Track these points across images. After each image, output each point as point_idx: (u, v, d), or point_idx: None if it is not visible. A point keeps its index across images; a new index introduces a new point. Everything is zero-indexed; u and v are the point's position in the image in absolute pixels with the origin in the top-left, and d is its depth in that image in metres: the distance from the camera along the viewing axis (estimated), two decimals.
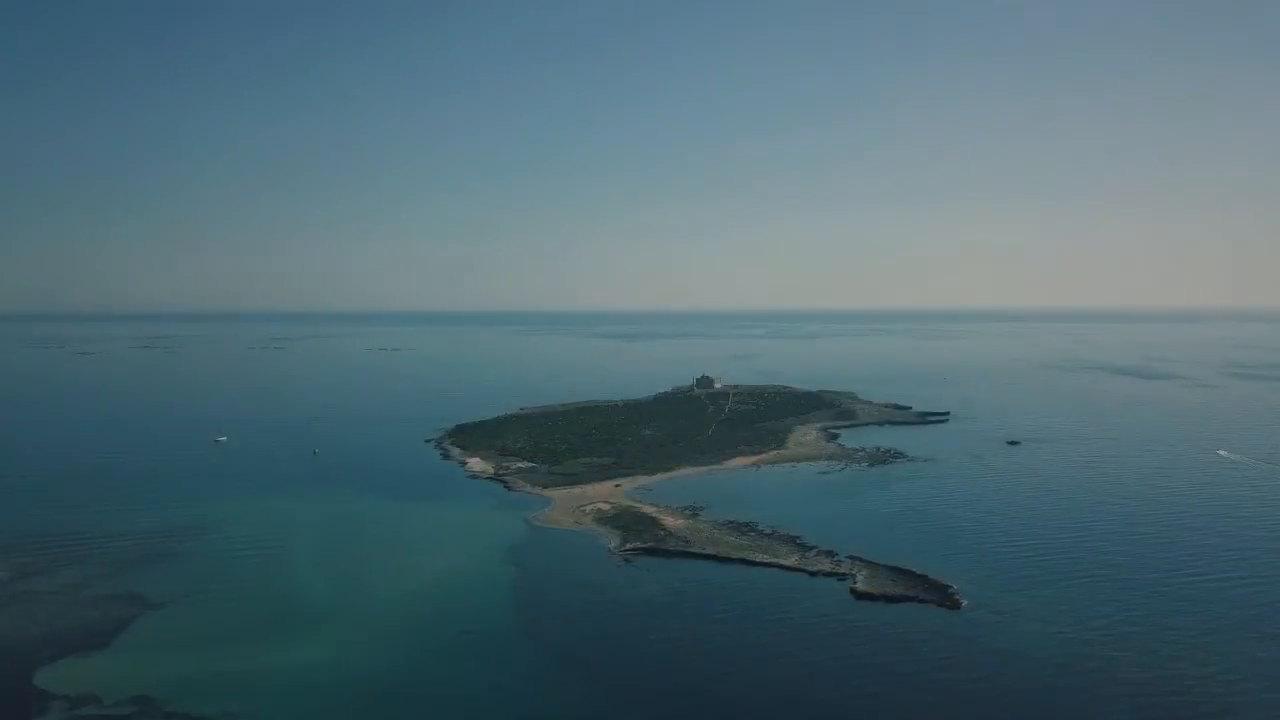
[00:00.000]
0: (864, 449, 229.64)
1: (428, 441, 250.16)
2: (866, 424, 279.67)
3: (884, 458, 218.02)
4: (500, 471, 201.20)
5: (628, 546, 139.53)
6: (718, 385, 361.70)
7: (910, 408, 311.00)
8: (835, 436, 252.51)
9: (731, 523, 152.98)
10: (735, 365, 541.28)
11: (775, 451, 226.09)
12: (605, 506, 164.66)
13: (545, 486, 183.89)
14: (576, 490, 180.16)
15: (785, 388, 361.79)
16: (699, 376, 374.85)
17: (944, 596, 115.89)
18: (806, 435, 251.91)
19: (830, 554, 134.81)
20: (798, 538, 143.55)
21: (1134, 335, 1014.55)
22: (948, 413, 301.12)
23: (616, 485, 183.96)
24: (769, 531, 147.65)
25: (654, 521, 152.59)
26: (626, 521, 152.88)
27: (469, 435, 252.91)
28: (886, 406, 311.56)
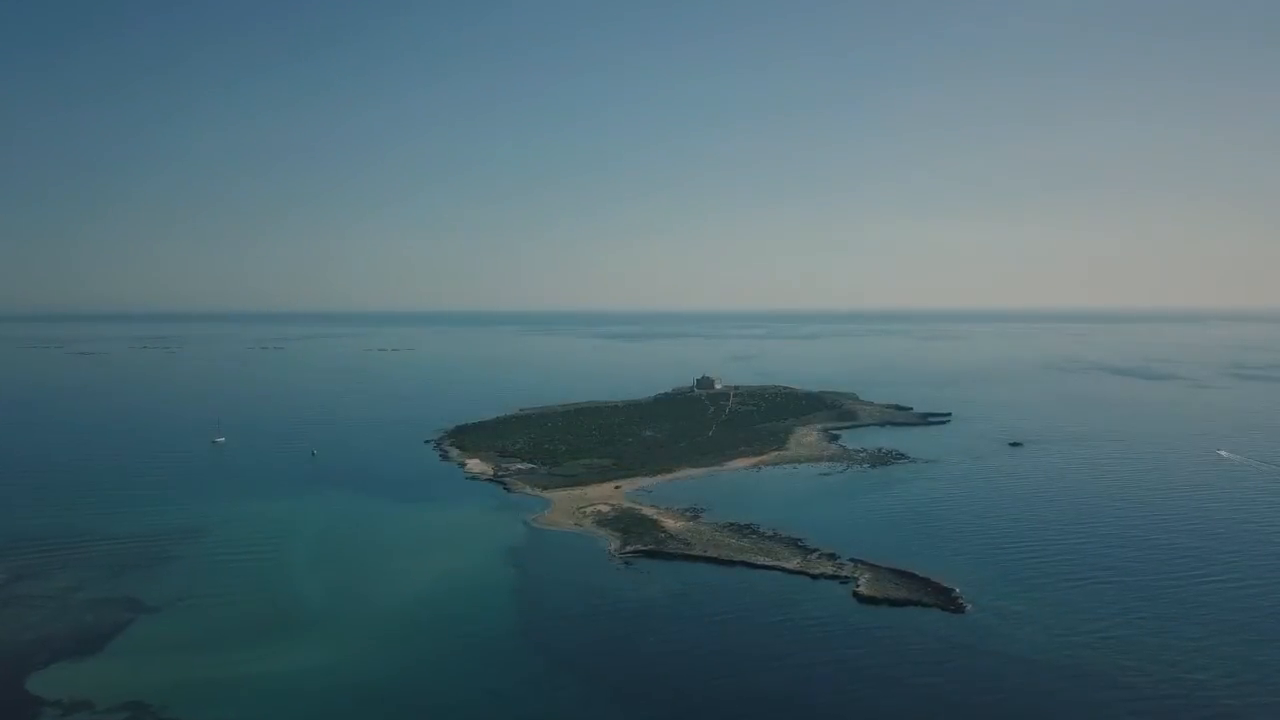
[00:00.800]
0: (865, 450, 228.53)
1: (427, 442, 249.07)
2: (868, 425, 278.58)
3: (885, 459, 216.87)
4: (499, 473, 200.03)
5: (628, 549, 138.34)
6: (718, 386, 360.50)
7: (911, 408, 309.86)
8: (836, 437, 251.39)
9: (733, 525, 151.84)
10: (735, 366, 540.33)
11: (776, 453, 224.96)
12: (605, 508, 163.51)
13: (545, 488, 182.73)
14: (576, 492, 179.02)
15: (786, 388, 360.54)
16: (699, 377, 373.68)
17: (947, 600, 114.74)
18: (807, 436, 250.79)
19: (832, 557, 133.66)
20: (799, 540, 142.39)
21: (1135, 336, 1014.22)
22: (949, 413, 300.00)
23: (616, 487, 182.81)
24: (770, 534, 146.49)
25: (654, 523, 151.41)
26: (626, 523, 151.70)
27: (468, 436, 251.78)
28: (887, 407, 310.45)
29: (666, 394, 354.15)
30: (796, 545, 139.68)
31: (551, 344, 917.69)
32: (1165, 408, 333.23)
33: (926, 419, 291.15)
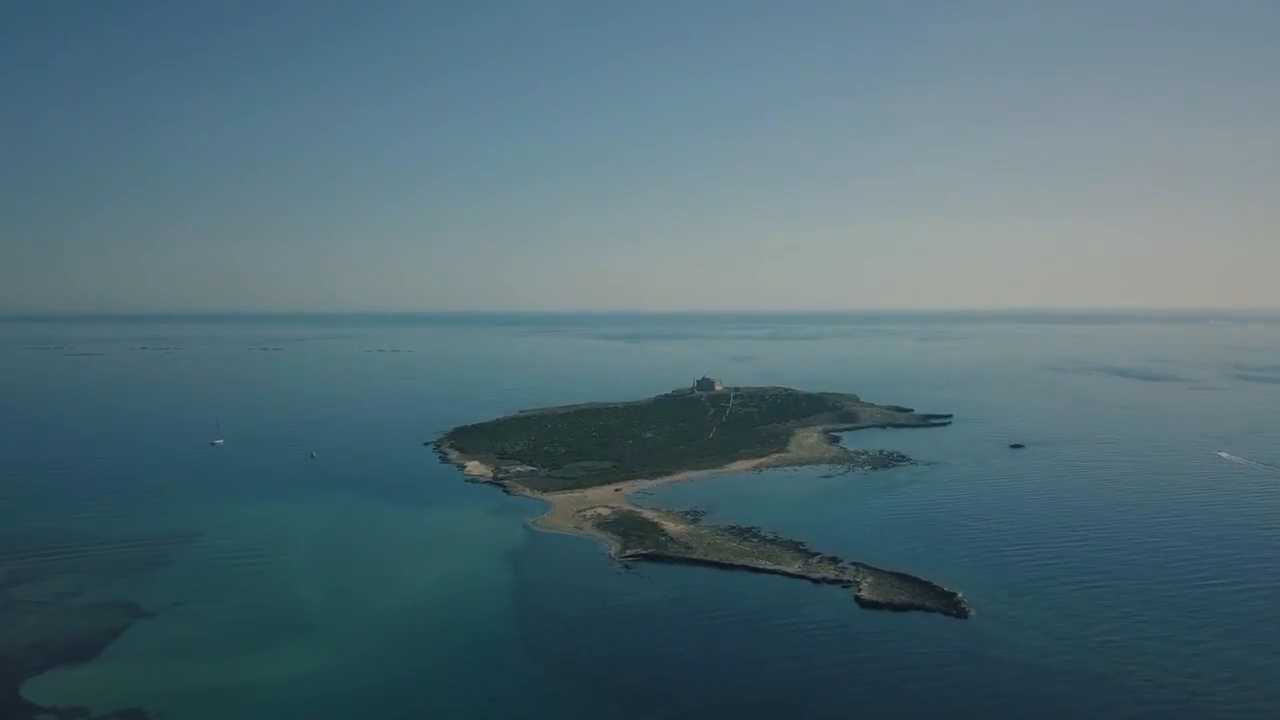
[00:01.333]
0: (866, 452, 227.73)
1: (426, 444, 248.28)
2: (869, 427, 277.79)
3: (887, 461, 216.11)
4: (499, 475, 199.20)
5: (628, 552, 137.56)
6: (718, 388, 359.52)
7: (912, 410, 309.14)
8: (837, 439, 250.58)
9: (734, 528, 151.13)
10: (736, 367, 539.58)
11: (777, 455, 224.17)
12: (605, 511, 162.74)
13: (544, 491, 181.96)
14: (576, 494, 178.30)
15: (786, 390, 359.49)
16: (699, 379, 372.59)
17: (950, 604, 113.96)
18: (808, 438, 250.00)
19: (834, 560, 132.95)
20: (801, 544, 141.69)
21: (1134, 337, 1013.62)
22: (950, 415, 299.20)
23: (617, 489, 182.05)
24: (772, 537, 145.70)
25: (655, 527, 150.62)
26: (627, 526, 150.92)
27: (468, 438, 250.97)
28: (888, 409, 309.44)
29: (667, 395, 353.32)
30: (798, 549, 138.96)
31: (551, 345, 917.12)
32: (1166, 409, 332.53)
33: (928, 421, 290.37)
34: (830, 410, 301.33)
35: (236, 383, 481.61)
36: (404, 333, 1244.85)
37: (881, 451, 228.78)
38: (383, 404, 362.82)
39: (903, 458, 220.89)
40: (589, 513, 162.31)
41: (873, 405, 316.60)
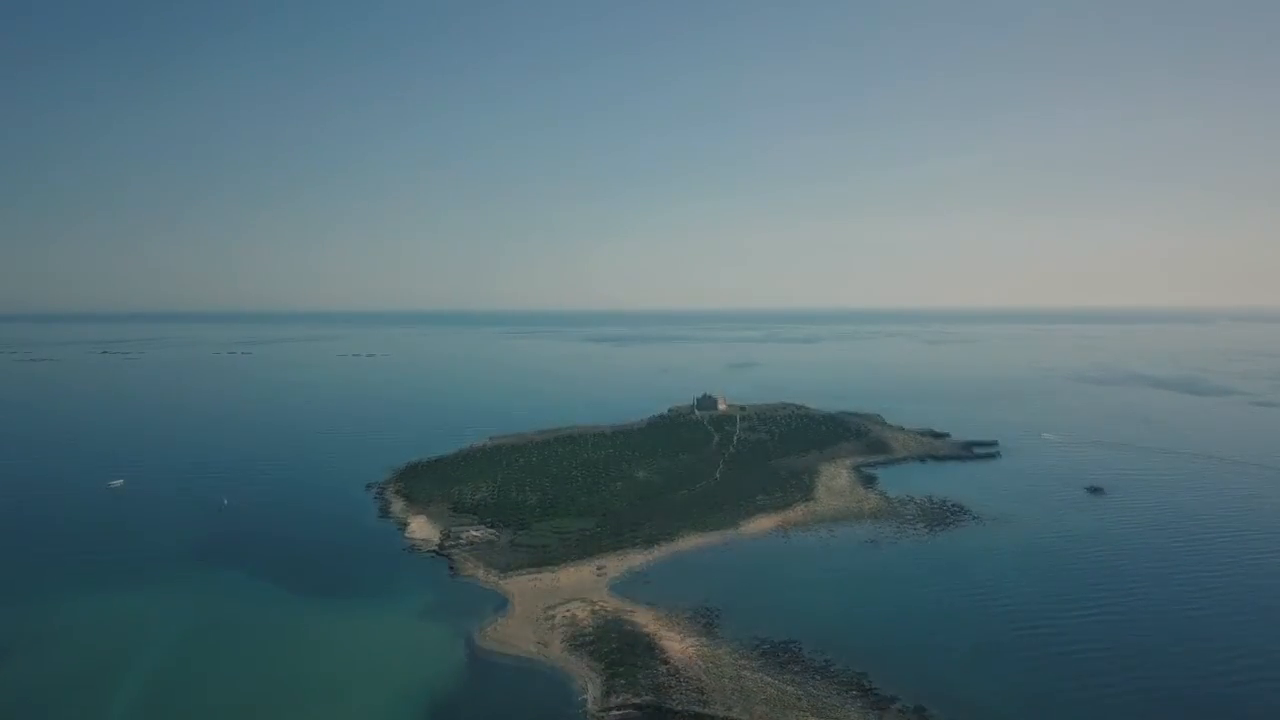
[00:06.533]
0: (913, 500, 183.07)
1: (369, 487, 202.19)
2: (904, 459, 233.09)
3: (941, 515, 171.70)
4: (448, 541, 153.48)
5: (613, 702, 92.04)
6: (722, 406, 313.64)
7: (949, 435, 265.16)
8: (872, 480, 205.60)
9: (763, 644, 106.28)
10: (734, 376, 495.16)
11: (804, 506, 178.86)
12: (582, 612, 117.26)
13: (504, 571, 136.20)
14: (545, 578, 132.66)
15: (799, 408, 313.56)
16: (700, 396, 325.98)
17: None
18: (837, 478, 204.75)
19: (920, 715, 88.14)
20: (864, 678, 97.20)
21: (1149, 339, 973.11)
22: (995, 442, 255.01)
23: (599, 569, 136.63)
24: (821, 664, 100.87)
25: (651, 645, 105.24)
26: (612, 646, 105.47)
27: (420, 480, 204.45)
28: (922, 435, 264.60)
29: (663, 416, 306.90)
30: (861, 688, 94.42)
31: (533, 349, 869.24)
32: (1237, 433, 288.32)
33: (971, 450, 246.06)
34: (856, 438, 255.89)
35: (175, 396, 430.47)
36: (383, 334, 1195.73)
37: (930, 499, 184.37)
38: (332, 426, 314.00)
39: (958, 508, 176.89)
40: (560, 614, 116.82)
41: (903, 430, 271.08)
